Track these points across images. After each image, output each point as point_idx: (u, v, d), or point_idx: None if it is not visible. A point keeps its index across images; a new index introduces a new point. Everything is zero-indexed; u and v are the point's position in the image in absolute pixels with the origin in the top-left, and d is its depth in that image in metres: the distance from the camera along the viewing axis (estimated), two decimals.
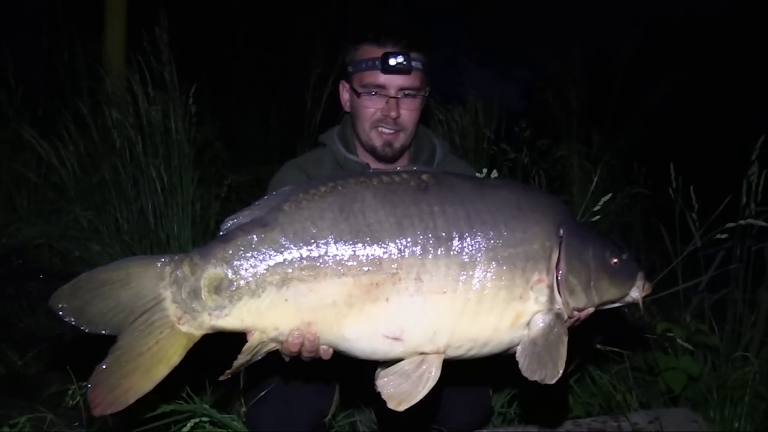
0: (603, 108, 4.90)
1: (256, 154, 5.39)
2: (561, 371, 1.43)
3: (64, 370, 2.26)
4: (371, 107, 2.00)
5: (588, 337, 2.52)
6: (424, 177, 1.49)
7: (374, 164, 2.06)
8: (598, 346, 2.47)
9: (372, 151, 2.04)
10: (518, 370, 1.47)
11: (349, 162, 2.08)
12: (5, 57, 3.93)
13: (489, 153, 3.92)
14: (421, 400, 1.43)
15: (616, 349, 2.55)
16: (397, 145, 2.02)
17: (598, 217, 2.43)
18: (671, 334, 2.50)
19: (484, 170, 2.23)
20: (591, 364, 2.64)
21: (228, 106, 5.49)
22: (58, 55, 4.14)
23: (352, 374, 1.74)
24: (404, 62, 1.94)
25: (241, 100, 5.68)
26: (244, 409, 2.03)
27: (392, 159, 2.04)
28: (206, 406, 2.09)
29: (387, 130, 2.00)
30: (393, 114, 1.98)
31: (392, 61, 1.94)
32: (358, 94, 2.00)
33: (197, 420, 2.04)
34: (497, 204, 1.48)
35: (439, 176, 1.52)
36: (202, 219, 3.49)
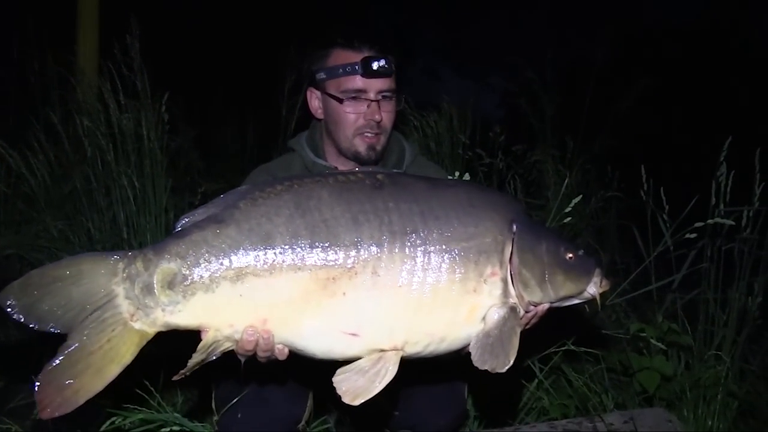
0: (576, 113, 4.95)
1: (232, 163, 5.36)
2: (512, 360, 1.44)
3: (30, 382, 2.21)
4: (353, 113, 1.99)
5: (562, 337, 2.53)
6: (379, 176, 1.53)
7: (342, 168, 2.06)
8: (573, 347, 2.48)
9: (355, 157, 2.03)
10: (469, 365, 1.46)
11: (318, 166, 2.07)
12: None
13: (464, 158, 3.94)
14: (378, 395, 1.41)
15: (591, 350, 2.56)
16: (379, 147, 2.03)
17: (569, 218, 2.45)
18: (644, 335, 2.52)
19: (456, 173, 2.24)
20: (566, 365, 2.65)
21: (202, 114, 5.46)
22: (29, 64, 4.08)
23: (327, 379, 1.73)
24: (386, 65, 1.96)
25: (215, 108, 5.65)
26: (216, 417, 2.00)
27: (375, 162, 2.05)
28: (177, 415, 2.06)
29: (369, 134, 2.00)
30: (377, 117, 1.98)
31: (375, 65, 1.95)
32: (340, 100, 1.99)
33: (168, 429, 2.01)
34: (450, 200, 1.51)
35: (393, 176, 1.56)
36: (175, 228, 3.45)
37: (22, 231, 3.48)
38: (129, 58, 3.37)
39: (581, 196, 2.43)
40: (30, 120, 3.65)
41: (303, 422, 1.99)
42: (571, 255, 1.57)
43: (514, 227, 1.52)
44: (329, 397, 2.17)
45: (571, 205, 2.35)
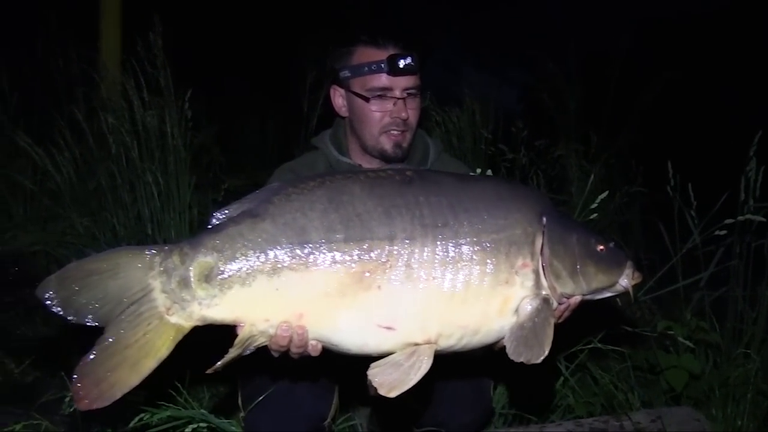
0: (600, 107, 4.90)
1: (253, 159, 5.39)
2: (546, 351, 1.43)
3: (60, 377, 2.25)
4: (379, 111, 1.99)
5: (588, 335, 2.51)
6: (408, 173, 1.53)
7: (367, 166, 2.06)
8: (599, 344, 2.46)
9: (382, 155, 2.03)
10: (504, 359, 1.46)
11: (342, 164, 2.07)
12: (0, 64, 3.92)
13: (487, 154, 3.91)
14: (412, 389, 1.41)
15: (617, 348, 2.54)
16: (405, 145, 2.03)
17: (595, 215, 2.42)
18: (672, 332, 2.49)
19: (479, 170, 2.23)
20: (592, 364, 2.63)
21: (224, 111, 5.48)
22: (53, 62, 4.12)
23: (352, 377, 1.73)
24: (412, 63, 1.95)
25: (237, 104, 5.67)
26: (242, 414, 2.01)
27: (402, 159, 2.04)
28: (204, 412, 2.06)
29: (395, 131, 2.00)
30: (403, 115, 1.98)
31: (401, 63, 1.94)
32: (366, 99, 1.98)
33: (195, 425, 2.02)
34: (479, 194, 1.52)
35: (422, 172, 1.57)
36: (199, 224, 3.47)
37: (49, 227, 3.52)
38: (152, 55, 3.39)
39: (607, 192, 2.40)
40: (55, 117, 3.68)
41: (329, 419, 1.99)
42: (602, 247, 1.56)
43: (544, 219, 1.52)
44: (355, 395, 2.18)
45: (597, 201, 2.33)
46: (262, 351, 1.50)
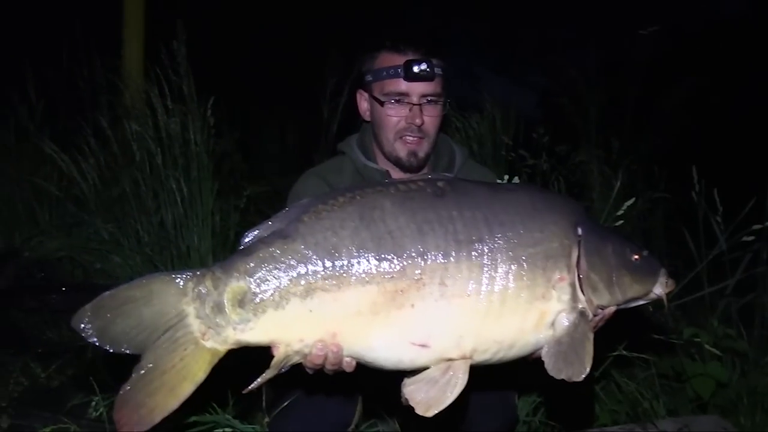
0: (621, 113, 4.87)
1: (274, 166, 5.40)
2: (588, 368, 1.42)
3: (86, 381, 2.27)
4: (394, 116, 1.99)
5: (613, 342, 2.49)
6: (440, 184, 1.51)
7: (394, 172, 2.06)
8: (624, 352, 2.44)
9: (397, 161, 2.03)
10: (543, 375, 1.45)
11: (369, 169, 2.07)
12: (26, 73, 3.97)
13: (507, 160, 3.90)
14: (449, 405, 1.41)
15: (641, 355, 2.51)
16: (422, 153, 2.02)
17: (621, 222, 2.40)
18: (698, 340, 2.46)
19: (506, 176, 2.22)
20: (616, 371, 2.61)
21: (245, 117, 5.51)
22: (78, 70, 4.17)
23: (376, 384, 1.73)
24: (427, 69, 1.94)
25: (257, 111, 5.70)
26: (267, 419, 2.01)
27: (417, 168, 2.03)
28: (229, 417, 2.08)
29: (410, 138, 1.99)
30: (417, 121, 1.97)
31: (416, 69, 1.94)
32: (381, 103, 1.99)
33: (220, 430, 2.03)
34: (513, 206, 1.49)
35: (454, 182, 1.54)
36: (221, 230, 3.49)
37: (74, 233, 3.55)
38: (176, 63, 3.42)
39: (634, 199, 2.38)
40: (80, 125, 3.72)
41: (353, 426, 1.99)
42: (636, 256, 1.55)
43: (579, 230, 1.50)
44: (379, 401, 2.18)
45: (624, 207, 2.31)
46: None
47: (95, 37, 4.24)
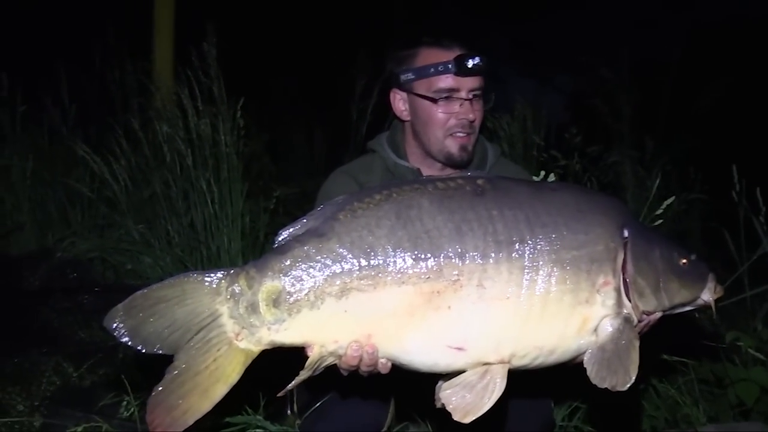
0: (654, 113, 4.79)
1: (303, 168, 5.41)
2: (633, 377, 1.37)
3: (118, 381, 2.27)
4: (445, 112, 1.96)
5: (651, 346, 2.42)
6: (480, 182, 1.46)
7: (425, 170, 2.03)
8: (663, 356, 2.37)
9: (448, 158, 1.99)
10: (582, 380, 1.41)
11: (400, 168, 2.04)
12: (59, 77, 4.02)
13: (539, 160, 3.84)
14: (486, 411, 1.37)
15: (681, 360, 2.44)
16: (470, 147, 2.00)
17: (661, 221, 2.34)
18: (740, 344, 2.38)
19: (542, 173, 2.18)
20: (655, 376, 2.54)
21: (274, 120, 5.53)
22: (110, 74, 4.22)
23: (408, 386, 1.69)
24: (480, 63, 1.92)
25: (286, 114, 5.72)
26: (298, 421, 1.99)
27: (467, 164, 2.01)
28: (260, 418, 2.06)
29: (461, 134, 1.96)
30: (471, 117, 1.95)
31: (470, 63, 1.91)
32: (433, 100, 1.95)
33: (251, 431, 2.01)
34: (557, 206, 1.44)
35: (494, 180, 1.49)
36: (251, 231, 3.50)
37: (105, 234, 3.58)
38: (206, 64, 3.43)
39: (674, 197, 2.32)
40: (112, 127, 3.76)
41: (385, 428, 1.96)
42: (684, 260, 1.49)
43: (626, 233, 1.45)
44: (411, 404, 2.14)
45: (663, 206, 2.25)
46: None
47: (126, 40, 4.29)
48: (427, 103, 1.96)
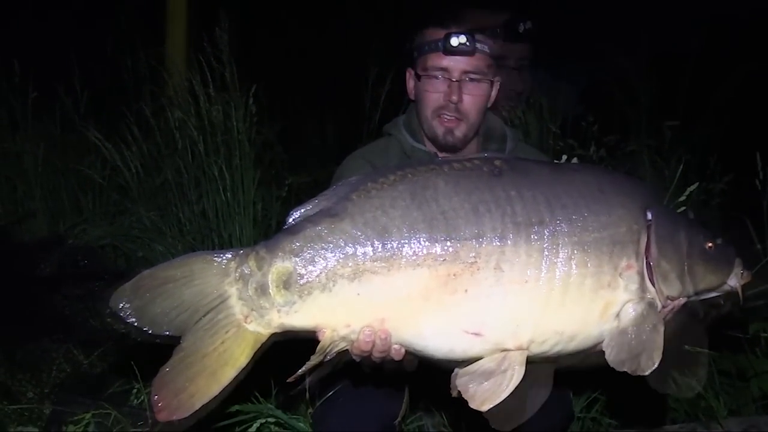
0: (673, 102, 4.70)
1: (315, 157, 5.37)
2: (657, 362, 1.32)
3: (128, 369, 2.25)
4: (432, 91, 1.91)
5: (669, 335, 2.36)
6: (497, 162, 1.42)
7: (443, 154, 1.98)
8: (684, 347, 2.30)
9: (434, 140, 1.95)
10: (601, 371, 1.36)
11: (417, 151, 2.00)
12: (71, 64, 4.00)
13: (555, 149, 3.78)
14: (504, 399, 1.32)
15: (702, 351, 2.37)
16: (459, 134, 1.92)
17: (683, 208, 2.28)
18: (765, 335, 2.32)
19: (564, 157, 2.12)
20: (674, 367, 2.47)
21: (286, 108, 5.49)
22: (122, 61, 4.20)
23: (423, 376, 1.65)
24: (467, 42, 1.85)
25: (299, 102, 5.68)
26: (310, 410, 1.96)
27: (454, 148, 1.95)
28: (272, 407, 2.03)
29: (447, 116, 1.90)
30: (454, 98, 1.88)
31: (454, 41, 1.85)
32: (420, 78, 1.91)
33: (263, 421, 1.98)
34: (578, 187, 1.39)
35: (512, 161, 1.44)
36: (263, 219, 3.47)
37: (117, 222, 3.56)
38: (218, 50, 3.40)
39: (697, 183, 2.26)
40: (124, 114, 3.73)
41: (399, 418, 1.92)
42: (710, 244, 1.44)
43: (649, 215, 1.40)
44: (426, 394, 2.10)
45: (687, 192, 2.19)
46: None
47: (139, 27, 4.27)
48: (420, 81, 1.92)
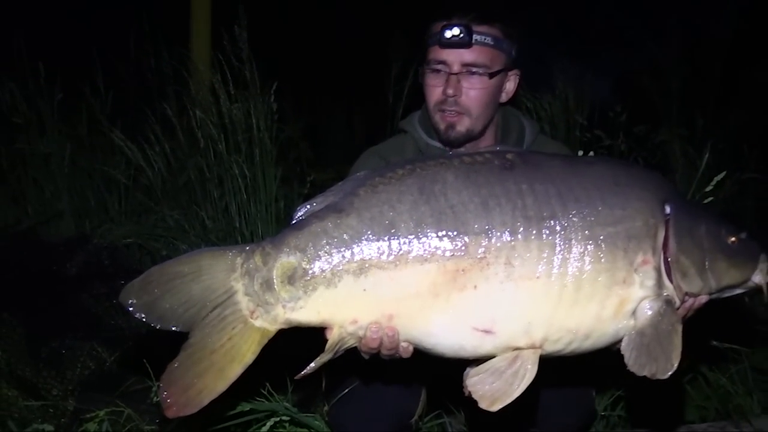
0: (705, 90, 4.57)
1: (340, 153, 5.36)
2: (675, 365, 1.27)
3: (150, 368, 2.25)
4: (432, 85, 1.85)
5: (701, 332, 2.28)
6: (509, 156, 1.38)
7: (455, 150, 1.93)
8: (714, 342, 2.24)
9: (438, 135, 1.90)
10: (623, 367, 1.31)
11: (432, 148, 1.95)
12: (96, 66, 4.04)
13: (582, 140, 3.70)
14: (516, 399, 1.28)
15: (734, 347, 2.30)
16: (462, 128, 1.85)
17: (711, 198, 2.20)
18: None
19: (580, 152, 2.06)
20: (705, 364, 2.41)
21: (312, 105, 5.49)
22: (146, 62, 4.23)
23: (441, 373, 1.62)
24: (460, 34, 1.77)
25: (323, 98, 5.68)
26: (326, 407, 1.94)
27: (457, 144, 1.88)
28: (287, 405, 2.02)
29: (448, 111, 1.83)
30: (449, 92, 1.80)
31: (447, 33, 1.77)
32: (424, 71, 1.87)
33: (277, 419, 1.97)
34: (592, 180, 1.35)
35: (524, 154, 1.41)
36: (285, 217, 3.46)
37: (141, 221, 3.60)
38: (238, 48, 3.40)
39: (725, 172, 2.17)
40: (147, 114, 3.76)
41: (416, 416, 1.89)
42: (733, 238, 1.38)
43: (667, 208, 1.35)
44: (444, 392, 2.07)
45: (713, 183, 2.11)
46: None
47: (162, 28, 4.29)
48: (425, 75, 1.87)
